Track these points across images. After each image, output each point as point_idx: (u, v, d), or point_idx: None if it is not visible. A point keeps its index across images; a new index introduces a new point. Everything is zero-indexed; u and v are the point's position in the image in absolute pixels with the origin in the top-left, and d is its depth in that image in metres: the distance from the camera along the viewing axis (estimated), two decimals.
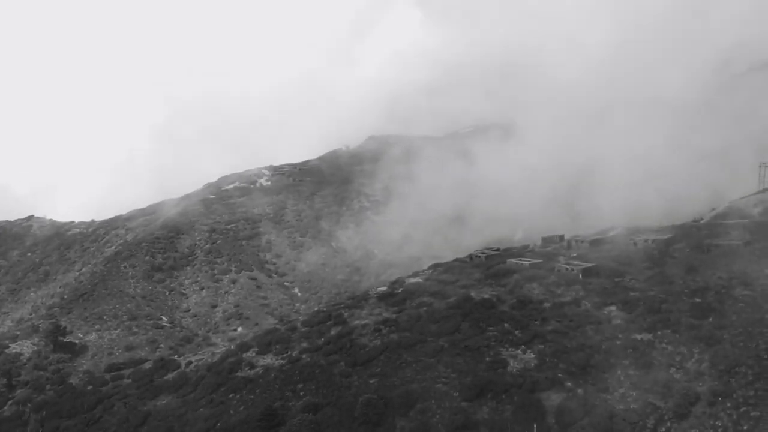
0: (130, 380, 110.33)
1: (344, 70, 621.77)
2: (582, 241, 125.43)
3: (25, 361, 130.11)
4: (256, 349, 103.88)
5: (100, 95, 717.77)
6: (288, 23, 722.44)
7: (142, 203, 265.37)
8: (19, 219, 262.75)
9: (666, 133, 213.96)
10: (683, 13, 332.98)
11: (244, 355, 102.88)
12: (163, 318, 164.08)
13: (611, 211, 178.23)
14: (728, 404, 69.43)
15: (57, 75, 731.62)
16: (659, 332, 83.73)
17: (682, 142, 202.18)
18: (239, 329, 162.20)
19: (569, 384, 77.22)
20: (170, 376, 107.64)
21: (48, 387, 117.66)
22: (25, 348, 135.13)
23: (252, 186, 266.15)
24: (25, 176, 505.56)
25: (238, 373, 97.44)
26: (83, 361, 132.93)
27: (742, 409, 68.05)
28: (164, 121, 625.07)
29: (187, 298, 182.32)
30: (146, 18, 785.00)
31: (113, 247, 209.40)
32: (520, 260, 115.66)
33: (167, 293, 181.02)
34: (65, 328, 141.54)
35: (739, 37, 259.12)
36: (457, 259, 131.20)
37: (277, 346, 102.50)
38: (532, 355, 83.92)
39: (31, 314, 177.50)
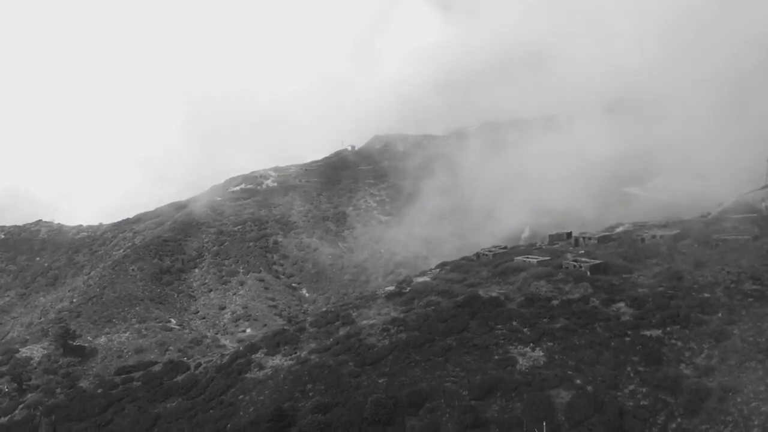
0: (140, 383, 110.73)
1: (354, 70, 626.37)
2: (589, 238, 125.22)
3: (35, 365, 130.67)
4: (265, 350, 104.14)
5: (118, 98, 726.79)
6: (302, 24, 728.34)
7: (157, 205, 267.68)
8: (27, 224, 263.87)
9: (704, 123, 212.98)
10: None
11: (253, 357, 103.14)
12: (172, 320, 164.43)
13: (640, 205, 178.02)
14: (739, 399, 69.09)
15: (71, 80, 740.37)
16: (668, 328, 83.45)
17: (721, 133, 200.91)
18: (248, 330, 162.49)
19: (579, 381, 77.01)
20: (180, 378, 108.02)
21: (58, 391, 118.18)
22: (35, 352, 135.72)
23: (258, 187, 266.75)
24: (42, 181, 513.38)
25: (248, 375, 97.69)
26: (93, 365, 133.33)
27: (752, 404, 67.71)
28: (182, 123, 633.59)
29: (196, 300, 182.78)
30: (163, 22, 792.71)
31: (121, 251, 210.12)
32: (527, 258, 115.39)
33: (176, 295, 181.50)
34: (75, 331, 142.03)
35: None
36: (464, 258, 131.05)
37: (286, 347, 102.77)
38: (541, 353, 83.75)
39: (40, 318, 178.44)
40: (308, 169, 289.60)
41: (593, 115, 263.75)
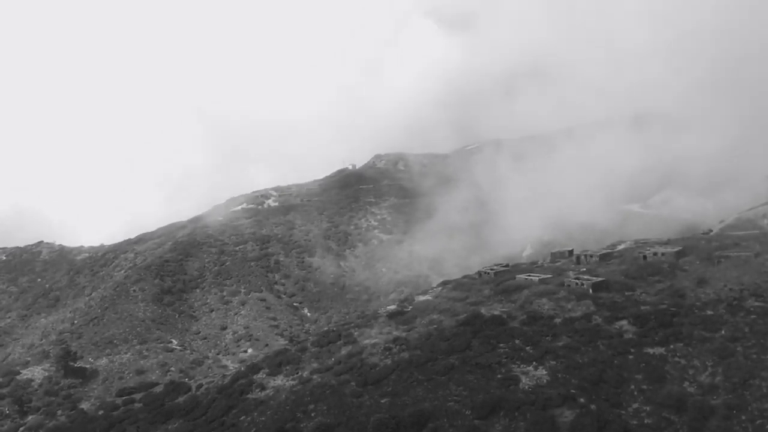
0: (141, 404, 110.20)
1: (360, 88, 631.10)
2: (591, 256, 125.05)
3: (36, 386, 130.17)
4: (267, 371, 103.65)
5: (132, 117, 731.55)
6: (312, 44, 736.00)
7: (159, 225, 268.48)
8: (28, 245, 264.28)
9: (717, 139, 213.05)
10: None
11: (255, 377, 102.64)
12: (173, 341, 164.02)
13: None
14: (743, 417, 68.69)
15: (84, 97, 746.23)
16: (671, 346, 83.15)
17: (738, 148, 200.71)
18: (249, 351, 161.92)
19: (582, 400, 76.56)
20: (181, 399, 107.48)
21: (59, 413, 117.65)
22: (36, 374, 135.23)
23: (260, 207, 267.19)
24: (52, 200, 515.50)
25: (249, 395, 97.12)
26: (94, 386, 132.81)
27: (757, 422, 67.32)
28: (196, 142, 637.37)
29: (197, 320, 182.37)
30: (176, 40, 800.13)
31: (123, 271, 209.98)
32: (529, 276, 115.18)
33: (177, 316, 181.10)
34: (76, 353, 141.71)
35: None
36: (466, 276, 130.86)
37: (288, 367, 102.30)
38: (544, 372, 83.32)
39: (41, 340, 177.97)
40: (310, 189, 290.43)
41: (609, 130, 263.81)
